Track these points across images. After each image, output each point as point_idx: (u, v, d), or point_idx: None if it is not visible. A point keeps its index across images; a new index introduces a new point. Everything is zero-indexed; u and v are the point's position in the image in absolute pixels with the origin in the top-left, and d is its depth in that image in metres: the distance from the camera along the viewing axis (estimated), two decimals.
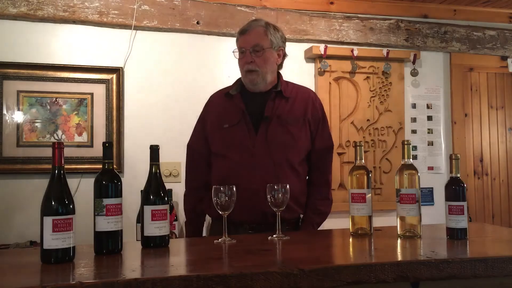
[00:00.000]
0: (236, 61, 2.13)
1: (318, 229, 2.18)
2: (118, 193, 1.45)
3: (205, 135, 2.14)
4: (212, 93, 2.28)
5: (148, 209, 1.54)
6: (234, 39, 2.15)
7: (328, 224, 3.19)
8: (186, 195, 2.23)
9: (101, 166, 1.48)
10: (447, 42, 3.72)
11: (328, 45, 3.40)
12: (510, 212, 3.85)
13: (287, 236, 1.67)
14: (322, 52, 3.36)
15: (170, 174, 3.10)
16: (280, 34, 2.11)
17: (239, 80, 2.16)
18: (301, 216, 2.15)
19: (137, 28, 3.13)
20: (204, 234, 2.29)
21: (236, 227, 1.94)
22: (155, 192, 1.56)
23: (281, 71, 2.21)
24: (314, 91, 3.45)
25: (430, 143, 3.69)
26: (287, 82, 2.18)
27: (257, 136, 2.03)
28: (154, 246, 1.52)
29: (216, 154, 2.09)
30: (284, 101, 2.09)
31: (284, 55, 2.16)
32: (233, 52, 2.11)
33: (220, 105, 2.15)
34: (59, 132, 2.99)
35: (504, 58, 3.85)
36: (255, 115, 2.06)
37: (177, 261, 1.40)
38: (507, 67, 3.84)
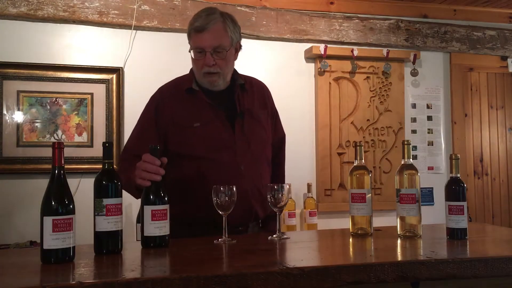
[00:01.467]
0: (238, 61, 2.02)
1: (319, 229, 2.17)
2: (118, 193, 1.45)
3: (159, 135, 1.91)
4: None
5: (148, 209, 1.54)
6: None
7: (328, 224, 3.20)
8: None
9: (101, 166, 1.47)
10: (447, 42, 3.72)
11: (328, 45, 3.40)
12: (510, 212, 3.85)
13: (287, 236, 1.67)
14: (322, 52, 3.36)
15: None
16: (238, 27, 1.94)
17: (192, 75, 1.97)
18: None
19: (137, 28, 3.13)
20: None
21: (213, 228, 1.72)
22: (155, 192, 1.56)
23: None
24: (314, 91, 3.47)
25: (430, 143, 3.69)
26: (239, 73, 2.04)
27: (235, 134, 1.90)
28: (154, 246, 1.52)
29: (190, 156, 1.88)
30: (245, 94, 1.99)
31: (240, 48, 1.98)
32: (189, 51, 1.90)
33: (182, 101, 1.94)
34: (59, 132, 2.99)
35: (504, 58, 3.85)
36: (226, 111, 1.92)
37: (177, 261, 1.40)
38: (507, 67, 3.85)
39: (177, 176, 1.88)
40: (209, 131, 1.89)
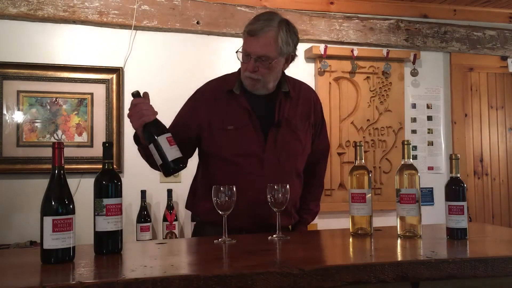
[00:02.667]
0: (237, 61, 1.97)
1: (318, 229, 2.17)
2: (118, 193, 1.45)
3: (191, 131, 1.93)
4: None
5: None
6: (234, 39, 2.11)
7: (328, 224, 3.19)
8: None
9: (101, 166, 1.47)
10: (447, 42, 3.72)
11: (328, 45, 3.40)
12: (510, 212, 3.85)
13: (287, 236, 1.67)
14: (322, 52, 3.36)
15: None
16: (293, 39, 1.89)
17: (237, 76, 1.95)
18: None
19: (137, 28, 3.13)
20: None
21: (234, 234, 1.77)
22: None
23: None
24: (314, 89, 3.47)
25: (430, 143, 3.69)
26: (289, 78, 2.02)
27: (266, 143, 1.87)
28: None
29: (218, 157, 1.91)
30: (289, 101, 1.95)
31: (293, 58, 1.95)
32: (236, 52, 1.89)
33: (221, 102, 1.92)
34: (59, 132, 2.99)
35: (504, 58, 3.85)
36: (262, 117, 1.89)
37: (177, 261, 1.40)
38: (507, 67, 3.85)
39: (205, 174, 1.95)
40: (241, 135, 1.87)
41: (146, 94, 1.76)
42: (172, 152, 1.67)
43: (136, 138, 1.83)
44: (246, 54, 1.84)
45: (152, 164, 1.83)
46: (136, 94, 1.75)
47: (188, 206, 2.04)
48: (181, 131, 1.88)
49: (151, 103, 1.77)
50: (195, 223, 2.12)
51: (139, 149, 1.87)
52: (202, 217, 1.97)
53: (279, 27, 1.83)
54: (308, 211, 2.09)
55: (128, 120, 1.78)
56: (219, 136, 1.89)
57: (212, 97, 1.95)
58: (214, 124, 1.90)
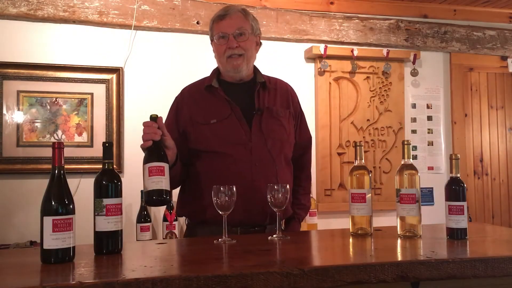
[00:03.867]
0: None
1: (319, 229, 2.18)
2: (118, 193, 1.45)
3: (180, 133, 1.96)
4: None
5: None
6: None
7: (328, 224, 3.19)
8: None
9: (101, 166, 1.47)
10: (447, 42, 3.72)
11: (328, 45, 3.41)
12: (510, 212, 3.85)
13: (287, 236, 1.67)
14: (322, 52, 3.36)
15: None
16: (256, 21, 2.02)
17: (214, 73, 2.03)
18: None
19: (137, 28, 3.13)
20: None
21: (230, 229, 1.76)
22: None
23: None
24: (313, 91, 3.47)
25: (430, 143, 3.69)
26: (262, 74, 2.08)
27: (251, 130, 1.91)
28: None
29: (206, 151, 1.92)
30: (267, 92, 2.01)
31: (260, 44, 2.05)
32: (211, 41, 1.98)
33: (199, 99, 1.99)
34: (59, 132, 2.99)
35: (504, 58, 3.85)
36: (243, 108, 1.94)
37: (177, 261, 1.40)
38: (507, 67, 3.84)
39: (194, 172, 1.94)
40: (225, 127, 1.91)
41: (159, 119, 1.74)
42: (148, 183, 1.59)
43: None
44: (223, 36, 1.93)
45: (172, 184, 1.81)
46: (153, 118, 1.73)
47: (177, 212, 2.04)
48: (173, 133, 1.88)
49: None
50: (186, 225, 2.08)
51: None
52: (192, 218, 1.98)
53: (243, 10, 1.99)
54: (301, 205, 2.11)
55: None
56: (204, 131, 1.93)
57: (191, 96, 2.02)
58: (197, 120, 1.95)
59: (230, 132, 1.91)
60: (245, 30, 1.93)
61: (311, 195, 3.27)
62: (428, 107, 3.71)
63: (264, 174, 1.87)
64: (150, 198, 1.60)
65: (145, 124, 1.72)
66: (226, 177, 1.78)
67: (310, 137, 2.19)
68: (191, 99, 2.01)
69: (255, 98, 1.97)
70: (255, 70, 2.06)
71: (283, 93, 2.07)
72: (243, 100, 1.96)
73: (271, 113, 1.97)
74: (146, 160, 1.64)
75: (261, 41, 2.06)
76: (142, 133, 1.70)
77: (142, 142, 1.72)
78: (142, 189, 1.66)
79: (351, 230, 1.74)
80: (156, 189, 1.58)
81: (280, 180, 1.88)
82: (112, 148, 1.53)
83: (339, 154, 3.45)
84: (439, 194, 3.57)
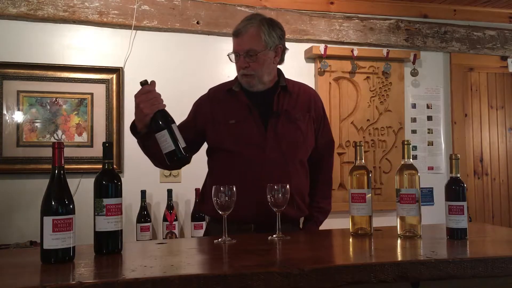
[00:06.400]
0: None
1: (319, 229, 2.18)
2: (118, 193, 1.45)
3: (196, 130, 2.05)
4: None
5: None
6: None
7: (328, 224, 3.19)
8: None
9: (101, 166, 1.47)
10: (447, 42, 3.72)
11: (328, 45, 3.41)
12: (510, 212, 3.85)
13: (287, 236, 1.67)
14: (322, 52, 3.36)
15: (170, 174, 3.10)
16: (276, 31, 2.01)
17: (237, 78, 2.10)
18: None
19: (137, 28, 3.13)
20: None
21: (239, 226, 1.87)
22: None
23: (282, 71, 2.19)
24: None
25: (430, 143, 3.69)
26: (288, 79, 2.12)
27: (266, 132, 1.97)
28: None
29: (222, 150, 2.00)
30: (288, 96, 2.05)
31: (284, 51, 2.06)
32: (228, 55, 2.03)
33: (222, 101, 2.07)
34: (59, 132, 2.99)
35: (504, 58, 3.85)
36: (262, 110, 2.00)
37: (177, 261, 1.40)
38: (507, 67, 3.84)
39: (212, 172, 2.06)
40: (242, 128, 1.99)
41: (153, 83, 1.82)
42: (183, 140, 1.72)
43: (133, 129, 1.88)
44: (236, 54, 1.99)
45: (153, 154, 1.93)
46: (144, 83, 1.79)
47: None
48: (189, 128, 2.02)
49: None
50: (206, 222, 2.20)
51: (138, 140, 1.93)
52: (211, 215, 2.05)
53: (260, 22, 1.98)
54: (319, 209, 2.13)
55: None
56: (222, 130, 2.01)
57: (214, 97, 2.10)
58: (216, 120, 2.03)
59: (245, 133, 1.98)
60: (254, 51, 1.95)
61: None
62: (428, 107, 3.71)
63: (277, 176, 1.89)
64: (187, 153, 1.74)
65: (146, 89, 1.77)
66: (240, 176, 1.88)
67: (330, 141, 2.20)
68: (213, 99, 2.09)
69: (274, 101, 2.02)
70: (279, 73, 2.10)
71: (305, 97, 2.10)
72: (263, 103, 2.02)
73: (289, 116, 2.01)
74: (172, 120, 1.73)
75: (285, 47, 2.06)
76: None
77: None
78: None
79: (351, 230, 1.74)
80: (168, 152, 1.69)
81: (293, 182, 1.88)
82: (112, 148, 1.53)
83: (339, 154, 3.45)
84: (439, 194, 3.57)
